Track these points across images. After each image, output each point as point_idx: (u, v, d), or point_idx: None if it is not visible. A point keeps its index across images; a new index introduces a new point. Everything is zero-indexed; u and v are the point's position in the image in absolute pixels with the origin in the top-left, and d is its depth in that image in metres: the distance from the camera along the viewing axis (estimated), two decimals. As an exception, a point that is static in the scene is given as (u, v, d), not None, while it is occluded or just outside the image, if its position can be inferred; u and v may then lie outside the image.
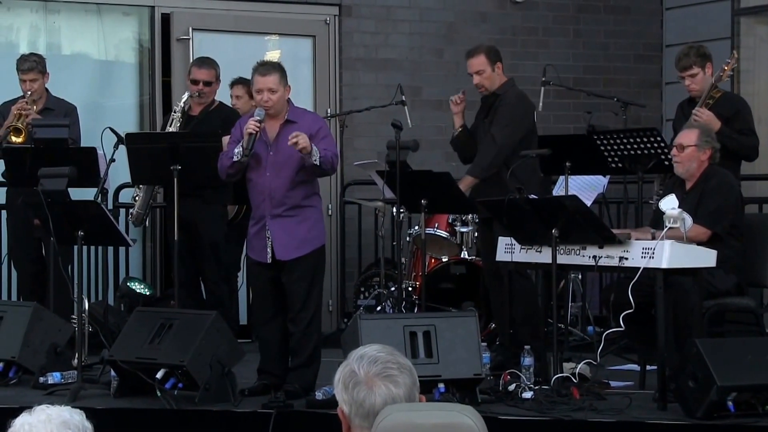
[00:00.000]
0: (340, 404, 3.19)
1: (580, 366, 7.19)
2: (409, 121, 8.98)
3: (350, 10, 10.97)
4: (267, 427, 6.76)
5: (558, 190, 8.98)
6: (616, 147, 8.17)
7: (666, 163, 7.84)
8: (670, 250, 6.62)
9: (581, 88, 10.50)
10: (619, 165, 8.23)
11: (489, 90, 8.06)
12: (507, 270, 7.55)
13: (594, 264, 6.93)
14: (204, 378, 6.98)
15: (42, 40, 10.36)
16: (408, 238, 9.34)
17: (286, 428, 6.80)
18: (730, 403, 6.31)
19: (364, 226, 10.64)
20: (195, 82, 8.68)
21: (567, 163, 8.44)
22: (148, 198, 8.73)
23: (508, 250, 7.43)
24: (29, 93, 8.80)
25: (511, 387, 7.05)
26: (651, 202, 8.06)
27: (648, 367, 7.30)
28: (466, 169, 8.13)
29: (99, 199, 8.04)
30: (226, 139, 7.59)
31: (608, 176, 9.18)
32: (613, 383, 7.37)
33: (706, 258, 6.79)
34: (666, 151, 7.84)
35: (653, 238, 6.85)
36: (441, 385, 6.76)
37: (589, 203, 8.60)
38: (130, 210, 8.97)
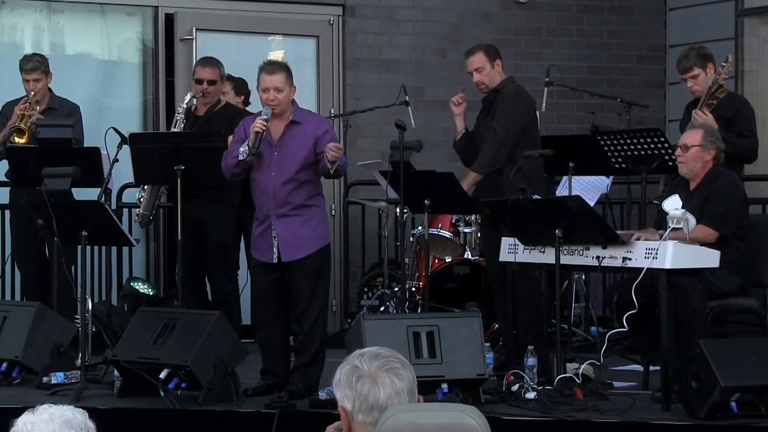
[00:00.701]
0: (341, 402, 3.20)
1: (583, 366, 7.18)
2: (412, 121, 8.98)
3: (354, 10, 10.97)
4: (270, 427, 6.75)
5: (561, 191, 8.97)
6: (619, 147, 8.16)
7: (670, 163, 7.84)
8: (674, 250, 6.61)
9: (584, 88, 10.48)
10: (623, 165, 8.22)
11: (489, 87, 8.06)
12: (511, 270, 7.55)
13: (597, 264, 6.92)
14: (207, 378, 6.97)
15: (45, 40, 10.35)
16: (411, 239, 9.33)
17: (289, 428, 6.79)
18: (733, 404, 6.31)
19: (368, 226, 10.63)
20: (199, 81, 8.65)
21: (570, 164, 8.42)
22: (153, 199, 8.71)
23: (511, 250, 7.43)
24: (33, 93, 8.79)
25: (515, 387, 7.05)
26: (655, 202, 8.06)
27: (651, 368, 7.30)
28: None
29: (102, 199, 8.03)
30: (230, 140, 7.59)
31: (611, 177, 9.17)
32: (616, 384, 7.37)
33: (709, 258, 6.79)
34: (670, 151, 7.84)
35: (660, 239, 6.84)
36: (444, 386, 6.76)
37: (592, 204, 8.60)
38: (135, 211, 8.97)
